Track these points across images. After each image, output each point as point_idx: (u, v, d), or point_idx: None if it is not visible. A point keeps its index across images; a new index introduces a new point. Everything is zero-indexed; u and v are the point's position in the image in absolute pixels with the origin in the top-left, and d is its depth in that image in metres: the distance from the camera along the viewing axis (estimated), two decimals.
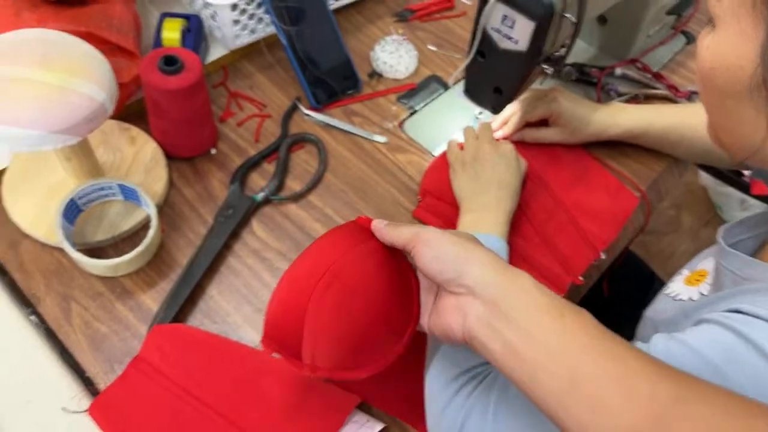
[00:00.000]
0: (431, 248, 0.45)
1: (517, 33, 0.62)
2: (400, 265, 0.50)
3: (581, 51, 0.90)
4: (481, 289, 0.42)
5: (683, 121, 0.73)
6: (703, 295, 0.53)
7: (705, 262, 0.58)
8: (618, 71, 0.86)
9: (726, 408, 0.34)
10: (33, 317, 0.60)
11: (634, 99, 0.84)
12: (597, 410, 0.36)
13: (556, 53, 0.65)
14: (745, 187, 1.65)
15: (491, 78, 0.69)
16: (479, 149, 0.70)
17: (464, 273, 0.43)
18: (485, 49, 0.66)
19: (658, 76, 0.87)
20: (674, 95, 0.85)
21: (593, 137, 0.75)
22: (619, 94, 0.84)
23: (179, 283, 0.61)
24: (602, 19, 0.87)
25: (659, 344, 0.44)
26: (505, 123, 0.77)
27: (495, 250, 0.60)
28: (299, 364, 0.48)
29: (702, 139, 0.72)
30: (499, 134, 0.77)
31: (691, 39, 0.94)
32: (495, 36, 0.64)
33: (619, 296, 0.88)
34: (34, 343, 0.58)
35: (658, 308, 0.60)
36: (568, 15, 0.60)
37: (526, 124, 0.76)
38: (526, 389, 0.40)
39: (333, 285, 0.47)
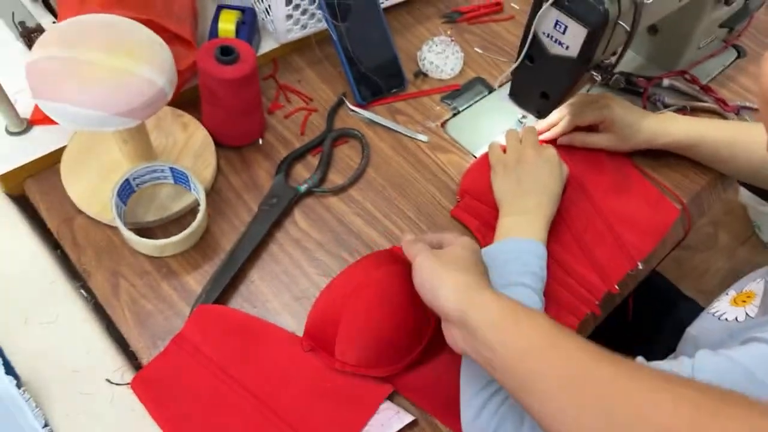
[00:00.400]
0: (417, 275, 0.51)
1: (568, 39, 0.62)
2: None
3: (628, 60, 0.90)
4: (450, 311, 0.47)
5: (736, 137, 0.72)
6: (749, 316, 0.53)
7: (753, 284, 0.57)
8: (665, 82, 0.85)
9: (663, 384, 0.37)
10: (83, 291, 0.62)
11: (681, 111, 0.83)
12: (545, 405, 0.40)
13: (606, 61, 0.65)
14: None
15: (539, 82, 0.69)
16: (523, 153, 0.70)
17: (437, 297, 0.49)
18: (535, 53, 0.66)
19: (706, 89, 0.85)
20: (722, 109, 0.84)
21: (643, 145, 0.75)
22: (666, 105, 0.83)
23: (222, 266, 0.63)
24: (653, 29, 0.87)
25: (704, 359, 0.44)
26: (552, 126, 0.76)
27: (534, 254, 0.61)
28: (331, 359, 0.58)
29: (753, 157, 0.72)
30: (546, 135, 0.76)
31: (742, 53, 0.92)
32: (545, 41, 0.64)
33: (642, 311, 0.87)
34: (82, 315, 0.61)
35: (702, 326, 0.60)
36: (622, 23, 0.60)
37: (575, 128, 0.76)
38: (513, 396, 0.44)
39: (362, 295, 0.57)
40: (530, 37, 0.65)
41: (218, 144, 0.72)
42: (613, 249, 0.71)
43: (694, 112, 0.84)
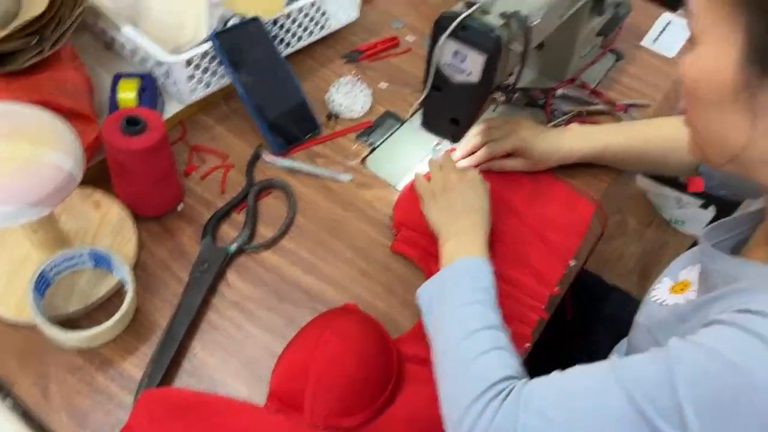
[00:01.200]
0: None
1: (469, 66, 0.65)
2: (382, 334, 0.62)
3: (523, 76, 0.95)
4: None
5: (636, 137, 0.79)
6: (691, 300, 0.56)
7: (685, 272, 0.61)
8: (559, 92, 0.92)
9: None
10: (8, 400, 0.57)
11: (577, 116, 0.89)
12: None
13: (506, 82, 0.69)
14: (680, 186, 1.76)
15: (447, 110, 0.72)
16: (447, 179, 0.72)
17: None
18: (439, 83, 0.69)
19: (596, 93, 0.93)
20: (613, 109, 0.91)
21: (557, 164, 0.80)
22: (564, 113, 0.89)
23: (161, 345, 0.60)
24: (540, 45, 0.93)
25: (675, 347, 0.45)
26: (470, 153, 0.80)
27: (481, 270, 0.63)
28: (303, 416, 0.56)
29: (650, 154, 0.79)
30: (463, 163, 0.79)
31: (620, 56, 1.01)
32: (448, 71, 0.67)
33: (576, 307, 0.91)
34: (11, 427, 0.55)
35: (649, 314, 0.63)
36: (515, 46, 0.64)
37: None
38: None
39: (329, 346, 0.57)
40: (432, 69, 0.68)
41: (137, 217, 0.69)
42: (545, 253, 0.74)
43: (590, 115, 0.90)
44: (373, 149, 0.83)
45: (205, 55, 0.76)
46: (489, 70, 0.64)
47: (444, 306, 0.61)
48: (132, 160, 0.63)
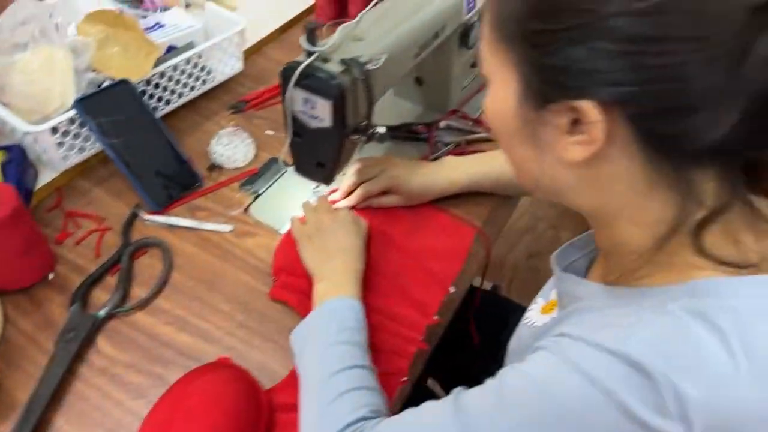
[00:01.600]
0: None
1: (319, 112, 0.67)
2: (251, 386, 0.62)
3: (408, 111, 0.98)
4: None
5: (506, 165, 0.81)
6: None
7: (554, 292, 0.63)
8: (443, 124, 0.94)
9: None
10: None
11: (459, 146, 0.91)
12: None
13: (363, 123, 0.71)
14: None
15: (312, 154, 0.73)
16: (320, 220, 0.73)
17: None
18: (299, 130, 0.70)
19: (478, 122, 0.95)
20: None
21: (437, 197, 0.81)
22: (446, 144, 0.91)
23: (20, 422, 0.58)
24: (419, 81, 0.96)
25: (502, 375, 0.45)
26: (347, 194, 0.81)
27: (347, 309, 0.64)
28: None
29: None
30: (343, 204, 0.81)
31: None
32: (303, 117, 0.69)
33: (486, 333, 0.92)
34: None
35: (518, 337, 0.63)
36: (360, 90, 0.66)
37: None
38: None
39: (192, 400, 0.58)
40: (289, 116, 0.69)
41: (1, 291, 0.68)
42: (426, 282, 0.75)
43: (471, 143, 0.92)
44: (257, 196, 0.84)
45: (72, 121, 0.77)
46: (338, 114, 0.66)
47: (310, 348, 0.61)
48: None
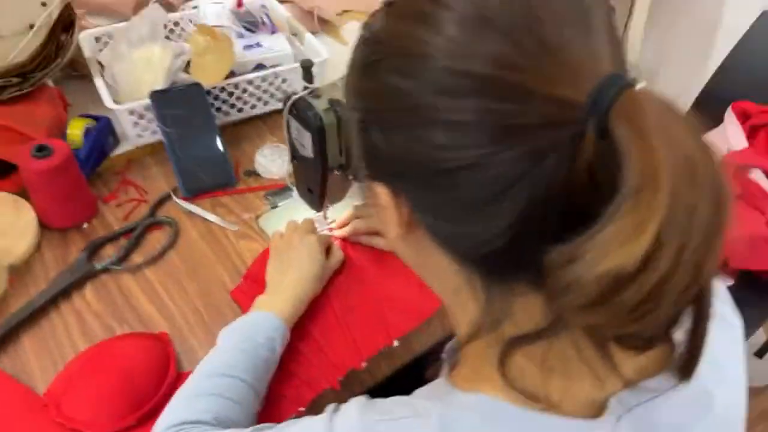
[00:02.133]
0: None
1: (305, 142, 0.71)
2: (163, 357, 0.69)
3: None
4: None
5: None
6: None
7: None
8: None
9: None
10: None
11: None
12: None
13: (344, 162, 0.73)
14: None
15: (304, 180, 0.78)
16: (290, 238, 0.78)
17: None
18: (294, 155, 0.76)
19: None
20: None
21: None
22: None
23: None
24: None
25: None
26: (343, 225, 0.84)
27: (264, 326, 0.68)
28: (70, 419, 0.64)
29: None
30: (337, 233, 0.84)
31: None
32: (295, 144, 0.74)
33: None
34: None
35: None
36: (344, 129, 0.69)
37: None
38: None
39: (96, 355, 0.69)
40: (288, 142, 0.75)
41: (46, 226, 0.84)
42: (373, 329, 0.74)
43: None
44: (274, 207, 0.91)
45: (147, 108, 0.92)
46: (319, 147, 0.70)
47: (218, 346, 0.65)
48: (37, 177, 0.79)
